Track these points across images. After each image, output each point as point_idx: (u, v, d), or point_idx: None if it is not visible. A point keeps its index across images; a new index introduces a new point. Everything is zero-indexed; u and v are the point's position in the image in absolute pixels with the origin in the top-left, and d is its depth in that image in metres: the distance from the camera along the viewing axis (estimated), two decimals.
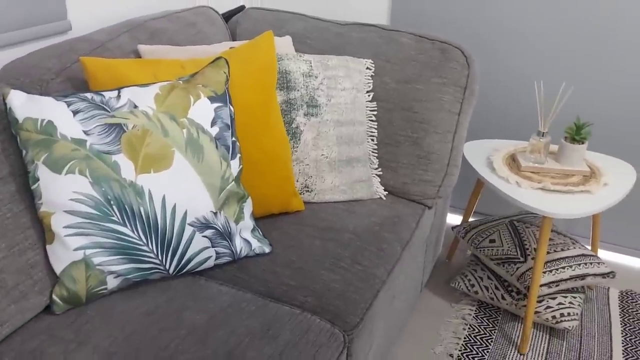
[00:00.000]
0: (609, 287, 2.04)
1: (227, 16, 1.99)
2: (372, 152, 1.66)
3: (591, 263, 1.81)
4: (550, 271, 1.75)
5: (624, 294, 2.01)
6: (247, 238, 1.31)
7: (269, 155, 1.42)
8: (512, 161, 1.81)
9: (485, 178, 1.73)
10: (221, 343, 1.06)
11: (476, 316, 1.88)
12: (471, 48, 2.14)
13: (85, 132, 1.13)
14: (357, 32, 1.80)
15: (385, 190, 1.67)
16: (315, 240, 1.40)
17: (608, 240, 2.20)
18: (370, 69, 1.69)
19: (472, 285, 1.90)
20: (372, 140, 1.66)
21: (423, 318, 1.87)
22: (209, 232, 1.23)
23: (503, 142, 1.94)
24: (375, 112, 1.68)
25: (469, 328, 1.83)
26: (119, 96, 1.19)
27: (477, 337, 1.79)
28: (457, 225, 2.04)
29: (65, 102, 1.15)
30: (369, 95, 1.67)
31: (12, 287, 1.08)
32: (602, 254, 2.22)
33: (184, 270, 1.24)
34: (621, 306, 1.94)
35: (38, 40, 1.54)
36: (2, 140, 1.15)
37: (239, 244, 1.29)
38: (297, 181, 1.52)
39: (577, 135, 1.72)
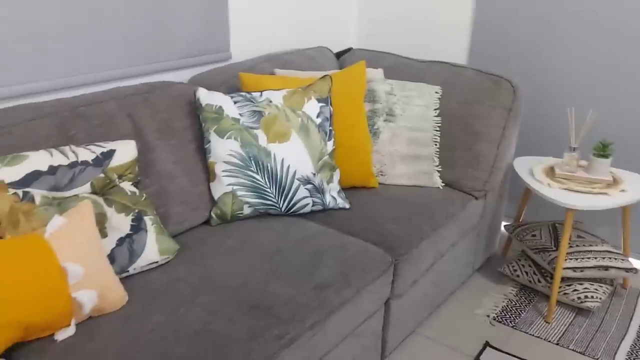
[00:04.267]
0: None
1: (339, 54, 2.67)
2: (435, 153, 2.22)
3: (616, 258, 2.20)
4: (577, 259, 2.17)
5: None
6: (334, 196, 1.93)
7: (356, 145, 2.04)
8: (550, 171, 2.27)
9: (526, 181, 2.21)
10: (313, 248, 1.67)
11: (516, 294, 2.32)
12: (526, 84, 2.64)
13: (240, 114, 1.82)
14: (433, 67, 2.39)
15: (443, 182, 2.22)
16: (383, 205, 1.98)
17: None
18: (438, 93, 2.27)
19: (515, 270, 2.35)
20: (436, 144, 2.22)
21: (471, 291, 2.35)
22: (309, 186, 1.86)
23: (547, 158, 2.41)
24: (440, 124, 2.25)
25: (508, 301, 2.28)
26: (261, 95, 1.88)
27: (513, 308, 2.23)
28: (509, 224, 2.50)
29: (230, 96, 1.86)
30: (436, 112, 2.24)
31: (191, 202, 1.78)
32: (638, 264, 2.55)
33: (291, 211, 1.88)
34: None
35: (211, 64, 2.30)
36: (190, 118, 1.88)
37: (328, 198, 1.91)
38: (375, 167, 2.12)
39: (602, 151, 2.16)
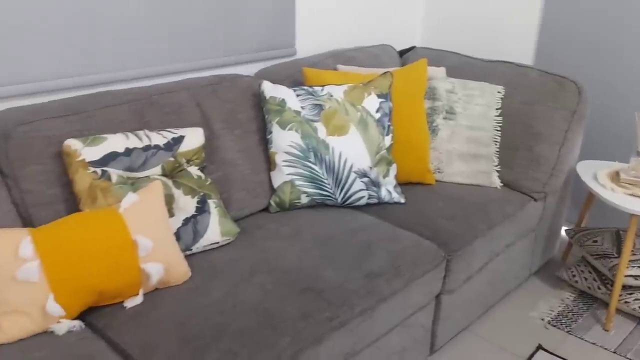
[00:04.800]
0: None
1: (402, 52, 2.70)
2: (495, 152, 2.21)
3: None
4: None
5: None
6: (389, 190, 1.97)
7: (413, 141, 2.07)
8: (615, 175, 2.21)
9: (589, 185, 2.16)
10: (365, 237, 1.72)
11: (574, 300, 2.27)
12: (594, 86, 2.56)
13: (302, 107, 1.89)
14: (496, 67, 2.38)
15: (501, 182, 2.21)
16: (439, 202, 2.00)
17: None
18: (500, 93, 2.25)
19: (574, 276, 2.30)
20: (496, 144, 2.21)
21: (527, 294, 2.32)
22: (365, 180, 1.91)
23: (612, 163, 2.34)
24: (500, 124, 2.23)
25: (564, 306, 2.24)
26: (322, 89, 1.94)
27: (569, 313, 2.19)
28: (570, 229, 2.45)
29: (293, 89, 1.93)
30: (497, 111, 2.23)
31: (251, 189, 1.87)
32: None
33: (347, 202, 1.93)
34: None
35: (277, 59, 2.39)
36: (255, 109, 1.97)
37: (384, 192, 1.95)
38: (432, 163, 2.14)
39: None
